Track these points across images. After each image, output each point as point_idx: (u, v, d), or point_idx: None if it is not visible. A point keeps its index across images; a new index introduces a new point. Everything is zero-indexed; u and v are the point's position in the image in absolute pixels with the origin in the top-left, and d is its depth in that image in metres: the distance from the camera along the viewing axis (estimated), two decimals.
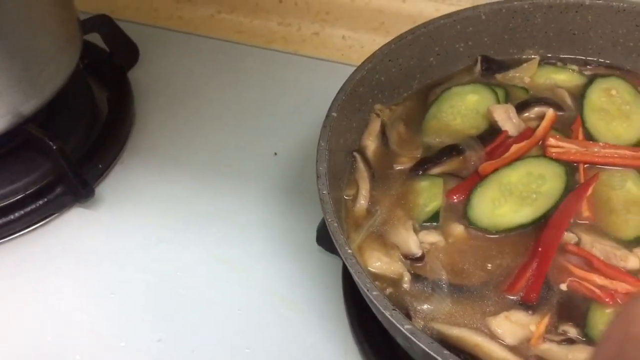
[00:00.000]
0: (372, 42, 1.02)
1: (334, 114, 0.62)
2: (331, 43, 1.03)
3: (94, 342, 0.70)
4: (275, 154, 0.88)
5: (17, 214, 0.78)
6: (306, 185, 0.84)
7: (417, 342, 0.45)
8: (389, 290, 0.57)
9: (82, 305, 0.74)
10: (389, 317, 0.47)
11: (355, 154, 0.67)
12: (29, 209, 0.79)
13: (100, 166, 0.84)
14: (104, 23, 0.94)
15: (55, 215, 0.82)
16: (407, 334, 0.46)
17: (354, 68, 0.97)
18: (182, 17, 1.09)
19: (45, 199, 0.79)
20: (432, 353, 0.45)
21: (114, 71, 0.96)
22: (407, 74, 0.73)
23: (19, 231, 0.80)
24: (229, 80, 0.99)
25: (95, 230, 0.81)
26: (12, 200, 0.79)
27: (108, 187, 0.85)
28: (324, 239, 0.74)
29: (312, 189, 0.83)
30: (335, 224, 0.53)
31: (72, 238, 0.80)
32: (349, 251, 0.51)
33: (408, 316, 0.55)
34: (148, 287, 0.75)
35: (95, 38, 0.97)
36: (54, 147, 0.77)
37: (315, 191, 0.82)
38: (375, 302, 0.48)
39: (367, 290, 0.48)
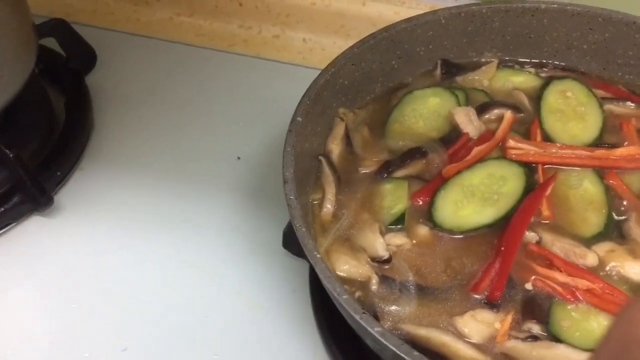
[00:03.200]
0: (332, 45, 1.03)
1: (299, 119, 0.62)
2: (292, 46, 1.04)
3: (56, 355, 0.69)
4: (239, 158, 0.88)
5: None
6: (270, 189, 0.84)
7: (387, 344, 0.46)
8: (357, 294, 0.58)
9: (43, 317, 0.73)
10: (359, 320, 0.47)
11: (320, 158, 0.67)
12: None
13: (58, 173, 0.83)
14: (59, 27, 0.92)
15: (13, 224, 0.80)
16: (377, 336, 0.46)
17: (316, 71, 0.98)
18: (139, 19, 1.08)
19: (2, 208, 0.78)
20: (401, 354, 0.46)
21: (70, 76, 0.94)
22: (369, 78, 0.73)
23: None
24: (190, 84, 0.98)
25: (55, 239, 0.79)
26: None
27: (67, 195, 0.84)
28: (291, 242, 0.74)
29: (276, 193, 0.83)
30: (304, 229, 0.53)
31: (31, 247, 0.78)
32: (318, 256, 0.52)
33: (376, 318, 0.55)
34: (111, 295, 0.74)
35: (51, 42, 0.95)
36: (11, 155, 0.75)
37: (280, 195, 0.82)
38: (345, 306, 0.48)
39: (337, 295, 0.49)
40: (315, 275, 0.70)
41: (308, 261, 0.73)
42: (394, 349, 0.46)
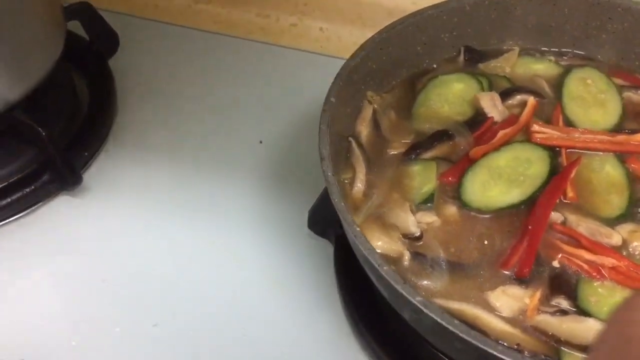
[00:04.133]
0: (349, 35, 1.04)
1: (333, 99, 0.64)
2: (309, 35, 1.05)
3: (88, 328, 0.70)
4: (261, 142, 0.89)
5: (2, 202, 0.77)
6: (293, 172, 0.86)
7: (429, 313, 0.48)
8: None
9: (74, 293, 0.74)
10: (401, 290, 0.49)
11: (350, 139, 0.69)
12: (15, 197, 0.78)
13: (85, 154, 0.84)
14: (85, 10, 0.93)
15: (42, 203, 0.81)
16: (419, 305, 0.48)
17: (333, 59, 1.01)
18: (158, 5, 1.09)
19: (32, 187, 0.79)
20: (443, 323, 0.47)
21: (94, 59, 0.95)
22: (396, 63, 0.75)
23: (5, 219, 0.78)
24: (208, 70, 1.00)
25: (82, 218, 0.81)
26: None
27: (93, 176, 0.85)
28: (315, 223, 0.76)
29: (298, 176, 0.85)
30: (342, 204, 0.55)
31: (60, 226, 0.80)
32: (358, 229, 0.53)
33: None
34: (139, 274, 0.76)
35: (74, 26, 0.96)
36: (43, 134, 0.76)
37: (303, 177, 0.84)
38: (386, 276, 0.50)
39: (378, 266, 0.50)
40: (340, 254, 0.73)
41: (332, 241, 0.75)
42: (436, 317, 0.47)
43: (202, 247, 0.78)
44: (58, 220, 0.80)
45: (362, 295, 0.70)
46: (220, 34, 1.05)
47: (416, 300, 0.48)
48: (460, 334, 0.47)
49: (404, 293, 0.49)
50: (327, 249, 0.77)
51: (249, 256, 0.77)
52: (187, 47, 1.03)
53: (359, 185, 0.66)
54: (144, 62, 1.00)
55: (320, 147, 0.59)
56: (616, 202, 0.65)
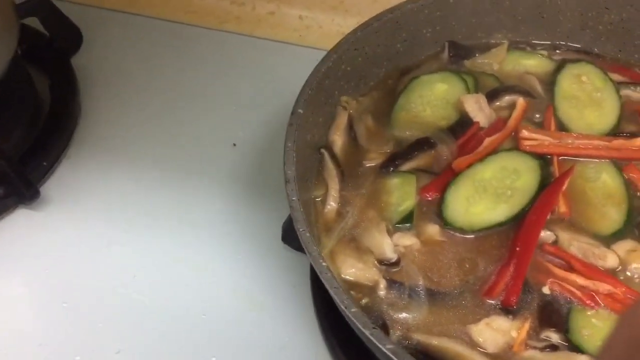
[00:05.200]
0: (330, 22, 0.98)
1: (301, 111, 0.58)
2: (288, 23, 0.99)
3: (45, 357, 0.66)
4: (234, 144, 0.84)
5: None
6: (268, 177, 0.80)
7: None
8: (364, 300, 0.54)
9: (32, 317, 0.69)
10: (370, 336, 0.44)
11: (322, 150, 0.63)
12: None
13: (45, 164, 0.79)
14: (42, 5, 0.86)
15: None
16: (389, 354, 0.43)
17: (313, 50, 0.94)
18: None
19: None
20: None
21: (55, 57, 0.89)
22: (373, 63, 0.69)
23: None
24: (181, 64, 0.94)
25: (42, 233, 0.76)
26: None
27: (54, 186, 0.80)
28: (290, 237, 0.71)
29: (275, 182, 0.79)
30: (308, 234, 0.50)
31: (18, 242, 0.75)
32: (324, 265, 0.48)
33: (385, 326, 0.52)
34: (103, 294, 0.71)
35: (33, 22, 0.90)
36: None
37: (279, 184, 0.78)
38: (354, 320, 0.45)
39: (345, 308, 0.45)
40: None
41: (314, 269, 0.70)
42: None
43: (170, 263, 0.73)
44: (16, 235, 0.75)
45: (339, 315, 0.65)
46: (192, 25, 0.99)
47: (386, 349, 0.43)
48: None
49: (374, 340, 0.44)
50: (303, 262, 0.71)
51: (220, 271, 0.72)
52: (157, 40, 0.97)
53: (332, 204, 0.60)
54: (110, 59, 0.93)
55: (285, 167, 0.54)
56: (613, 216, 0.59)
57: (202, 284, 0.71)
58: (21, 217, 0.77)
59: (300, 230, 0.50)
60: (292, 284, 0.71)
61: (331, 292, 0.46)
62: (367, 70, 0.69)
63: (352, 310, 0.45)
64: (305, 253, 0.70)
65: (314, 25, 0.99)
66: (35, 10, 0.86)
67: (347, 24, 0.67)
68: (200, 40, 0.97)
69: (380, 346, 0.44)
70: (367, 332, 0.44)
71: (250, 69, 0.93)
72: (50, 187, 0.79)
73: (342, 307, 0.45)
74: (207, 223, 0.76)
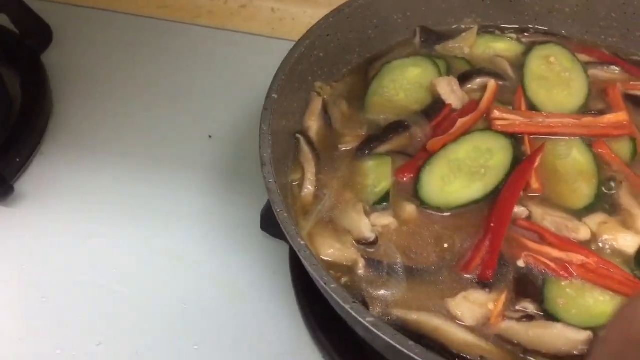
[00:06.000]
0: (303, 14, 0.99)
1: (275, 95, 0.58)
2: (260, 16, 0.99)
3: (26, 352, 0.65)
4: (210, 136, 0.84)
5: None
6: (245, 168, 0.81)
7: (380, 334, 0.43)
8: (344, 279, 0.55)
9: (10, 313, 0.68)
10: (350, 310, 0.44)
11: (298, 136, 0.64)
12: None
13: (18, 160, 0.78)
14: (11, 2, 0.86)
15: None
16: (369, 326, 0.44)
17: (286, 42, 0.94)
18: None
19: None
20: (396, 345, 0.43)
21: (25, 55, 0.88)
22: (345, 49, 0.70)
23: None
24: (153, 59, 0.93)
25: (18, 230, 0.75)
26: None
27: (29, 182, 0.79)
28: (268, 224, 0.71)
29: (251, 172, 0.80)
30: (285, 215, 0.50)
31: None
32: (302, 243, 0.48)
33: (365, 304, 0.53)
34: (82, 287, 0.70)
35: (2, 20, 0.89)
36: None
37: (255, 174, 0.78)
38: (333, 295, 0.45)
39: (325, 284, 0.46)
40: (296, 256, 0.68)
41: (288, 243, 0.70)
42: (388, 339, 0.43)
43: (149, 254, 0.73)
44: None
45: (320, 299, 0.66)
46: (164, 20, 0.99)
47: (367, 322, 0.44)
48: (415, 357, 0.42)
49: (354, 314, 0.44)
50: (282, 249, 0.72)
51: (199, 261, 0.72)
52: (128, 35, 0.96)
53: (309, 187, 0.61)
54: (81, 55, 0.93)
55: (261, 150, 0.54)
56: (584, 191, 0.60)
57: (182, 275, 0.71)
58: None
59: (278, 211, 0.50)
60: (272, 271, 0.71)
61: (310, 269, 0.47)
62: (339, 56, 0.70)
63: (332, 286, 0.46)
64: (284, 240, 0.71)
65: (286, 18, 0.99)
66: (5, 7, 0.86)
67: (319, 15, 0.68)
68: (172, 34, 0.97)
69: (360, 319, 0.44)
70: (347, 307, 0.45)
71: (224, 62, 0.93)
72: (25, 184, 0.79)
73: (322, 283, 0.46)
74: (185, 214, 0.76)
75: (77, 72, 0.90)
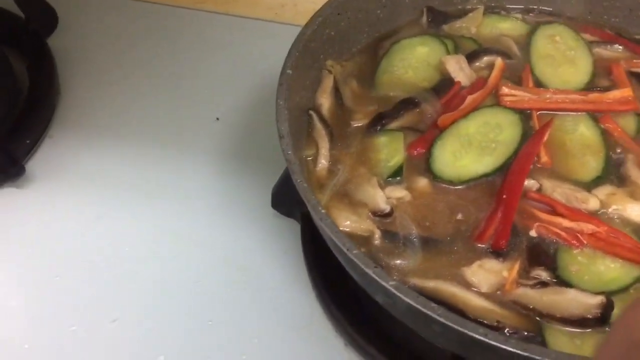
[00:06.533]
0: (305, 0, 0.99)
1: (289, 71, 0.59)
2: (263, 2, 1.00)
3: (42, 329, 0.66)
4: (218, 119, 0.84)
5: None
6: (253, 149, 0.81)
7: (402, 297, 0.45)
8: (361, 250, 0.55)
9: (26, 291, 0.69)
10: (372, 274, 0.45)
11: (311, 112, 0.65)
12: None
13: (28, 142, 0.78)
14: None
15: None
16: (392, 290, 0.45)
17: (289, 27, 0.95)
18: None
19: None
20: (418, 307, 0.44)
21: (32, 39, 0.88)
22: (355, 28, 0.71)
23: None
24: (159, 43, 0.94)
25: (29, 210, 0.75)
26: None
27: (38, 164, 0.79)
28: (280, 202, 0.72)
29: (259, 153, 0.81)
30: (305, 185, 0.51)
31: (5, 220, 0.74)
32: (323, 211, 0.49)
33: None
34: (95, 266, 0.71)
35: (8, 4, 0.89)
36: None
37: (264, 155, 0.80)
38: (356, 260, 0.46)
39: (347, 250, 0.47)
40: (307, 234, 0.69)
41: (299, 220, 0.71)
42: (411, 301, 0.44)
43: (159, 234, 0.73)
44: (2, 213, 0.75)
45: (332, 275, 0.67)
46: (168, 5, 0.99)
47: (389, 285, 0.45)
48: (438, 318, 0.43)
49: (376, 277, 0.45)
50: (293, 228, 0.73)
51: (210, 240, 0.73)
52: (134, 20, 0.97)
53: (323, 162, 0.61)
54: (86, 39, 0.93)
55: (279, 124, 0.55)
56: (592, 164, 0.62)
57: (194, 254, 0.72)
58: (6, 196, 0.76)
59: (298, 181, 0.51)
60: (284, 250, 0.72)
61: (332, 237, 0.48)
62: (349, 35, 0.71)
63: (354, 252, 0.47)
64: (294, 218, 0.72)
65: (288, 4, 1.00)
66: None
67: (321, 1, 0.69)
68: (177, 19, 0.97)
69: (383, 283, 0.45)
70: (369, 271, 0.46)
71: (229, 46, 0.94)
72: (34, 166, 0.79)
73: (344, 249, 0.47)
74: (196, 194, 0.77)
75: (83, 56, 0.91)
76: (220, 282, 0.70)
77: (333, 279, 0.67)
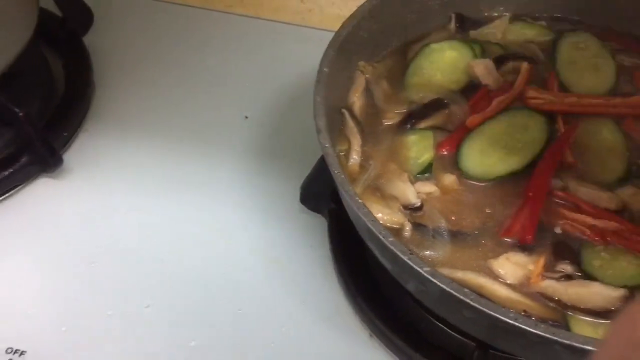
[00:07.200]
0: (331, 6, 1.02)
1: (326, 69, 0.62)
2: (289, 7, 1.02)
3: (79, 313, 0.68)
4: (246, 117, 0.87)
5: None
6: (280, 147, 0.84)
7: (437, 282, 0.47)
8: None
9: (62, 277, 0.71)
10: (408, 261, 0.48)
11: (343, 110, 0.67)
12: None
13: (65, 134, 0.81)
14: None
15: (21, 186, 0.77)
16: (427, 275, 0.47)
17: (316, 31, 0.99)
18: None
19: (11, 170, 0.75)
20: (452, 292, 0.46)
21: (68, 37, 0.91)
22: (387, 32, 0.73)
23: None
24: (189, 43, 0.97)
25: (65, 200, 0.78)
26: None
27: (74, 156, 0.82)
28: (308, 198, 0.74)
29: (287, 151, 0.83)
30: (343, 176, 0.53)
31: (42, 209, 0.77)
32: (360, 201, 0.52)
33: None
34: (128, 255, 0.73)
35: (45, 3, 0.92)
36: (20, 114, 0.73)
37: (292, 152, 0.83)
38: (392, 248, 0.48)
39: (383, 237, 0.49)
40: (334, 228, 0.71)
41: (325, 216, 0.73)
42: (445, 286, 0.46)
43: (189, 226, 0.76)
44: (39, 202, 0.77)
45: (359, 269, 0.69)
46: (199, 8, 1.02)
47: (424, 271, 0.47)
48: (470, 302, 0.46)
49: (412, 264, 0.47)
50: (320, 223, 0.75)
51: (239, 234, 0.75)
52: (165, 21, 1.00)
53: (355, 157, 0.64)
54: (120, 37, 0.96)
55: (316, 119, 0.57)
56: (615, 166, 0.64)
57: (223, 245, 0.74)
58: (42, 186, 0.79)
59: (335, 172, 0.54)
60: (310, 245, 0.74)
61: (369, 224, 0.50)
62: (381, 38, 0.73)
63: (390, 239, 0.49)
64: (321, 214, 0.74)
65: (315, 9, 1.02)
66: None
67: (347, 7, 0.71)
68: (208, 21, 1.00)
69: (418, 269, 0.47)
70: (405, 258, 0.48)
71: (256, 48, 0.97)
72: (69, 158, 0.81)
73: (381, 236, 0.49)
74: (225, 189, 0.79)
75: (117, 54, 0.94)
76: (249, 273, 0.72)
77: (359, 274, 0.69)
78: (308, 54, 0.93)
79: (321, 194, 0.73)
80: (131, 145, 0.84)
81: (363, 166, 0.64)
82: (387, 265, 0.55)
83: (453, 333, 0.63)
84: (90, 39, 0.94)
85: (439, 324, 0.65)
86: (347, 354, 0.66)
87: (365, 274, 0.69)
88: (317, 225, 0.75)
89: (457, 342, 0.63)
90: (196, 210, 0.77)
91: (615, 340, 0.30)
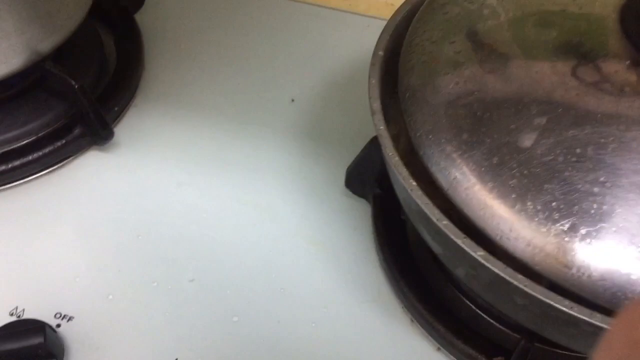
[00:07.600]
0: None
1: (381, 53, 0.62)
2: None
3: (125, 283, 0.70)
4: (293, 100, 0.88)
5: (34, 155, 0.76)
6: (326, 130, 0.85)
7: (491, 267, 0.47)
8: None
9: (108, 248, 0.73)
10: (462, 244, 0.48)
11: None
12: (45, 150, 0.76)
13: (116, 109, 0.82)
14: None
15: (72, 157, 0.79)
16: (481, 260, 0.47)
17: (362, 17, 0.99)
18: None
19: (63, 141, 0.77)
20: (506, 277, 0.46)
21: (120, 14, 0.93)
22: None
23: (35, 173, 0.77)
24: (239, 26, 0.98)
25: (114, 173, 0.79)
26: (27, 142, 0.77)
27: (123, 131, 0.84)
28: (353, 182, 0.75)
29: (332, 135, 0.84)
30: (397, 158, 0.53)
31: (92, 180, 0.78)
32: (414, 183, 0.52)
33: None
34: (174, 229, 0.75)
35: None
36: (76, 86, 0.74)
37: (339, 136, 0.83)
38: (446, 231, 0.49)
39: (437, 220, 0.49)
40: (378, 213, 0.72)
41: (370, 200, 0.74)
42: (499, 271, 0.46)
43: (235, 204, 0.77)
44: (89, 174, 0.79)
45: (401, 256, 0.70)
46: None
47: (478, 255, 0.47)
48: (524, 288, 0.46)
49: (465, 247, 0.48)
50: (364, 208, 0.76)
51: (283, 213, 0.76)
52: (214, 3, 1.01)
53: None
54: (171, 17, 0.98)
55: (371, 101, 0.58)
56: None
57: (267, 225, 0.75)
58: (93, 159, 0.81)
59: (389, 154, 0.54)
60: (353, 227, 0.75)
61: (423, 207, 0.50)
62: None
63: (444, 222, 0.49)
64: (365, 198, 0.75)
65: None
66: None
67: None
68: (255, 5, 1.01)
69: (472, 253, 0.47)
70: (459, 241, 0.48)
71: (304, 33, 0.98)
72: (120, 132, 0.83)
73: (434, 219, 0.49)
74: (271, 171, 0.80)
75: (167, 33, 0.95)
76: (292, 253, 0.73)
77: (401, 258, 0.70)
78: (354, 40, 0.94)
79: (366, 179, 0.74)
80: (180, 122, 0.85)
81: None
82: (438, 249, 0.55)
83: (495, 323, 0.64)
84: (141, 17, 0.96)
85: (482, 313, 0.65)
86: (388, 337, 0.67)
87: (408, 261, 0.70)
88: (361, 210, 0.76)
89: (499, 332, 0.63)
90: (242, 189, 0.78)
91: (616, 340, 0.29)
